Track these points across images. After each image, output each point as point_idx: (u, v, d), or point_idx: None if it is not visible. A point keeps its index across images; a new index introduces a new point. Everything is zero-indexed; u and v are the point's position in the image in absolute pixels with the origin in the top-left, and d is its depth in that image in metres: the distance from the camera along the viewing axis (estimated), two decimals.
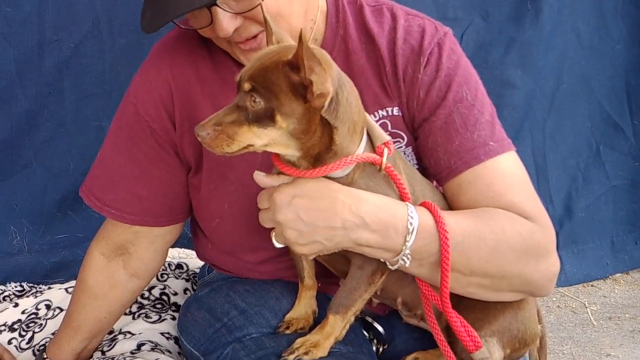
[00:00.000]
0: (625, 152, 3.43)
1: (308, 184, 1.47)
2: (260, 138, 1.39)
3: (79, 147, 2.58)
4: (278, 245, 1.54)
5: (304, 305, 1.71)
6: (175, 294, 2.27)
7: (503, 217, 1.57)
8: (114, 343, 2.03)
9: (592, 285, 3.43)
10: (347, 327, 1.59)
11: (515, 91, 3.04)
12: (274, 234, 1.53)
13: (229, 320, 1.73)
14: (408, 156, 1.74)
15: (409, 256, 1.50)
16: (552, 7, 3.01)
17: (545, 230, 1.60)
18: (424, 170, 1.73)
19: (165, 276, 2.34)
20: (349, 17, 1.74)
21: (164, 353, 1.96)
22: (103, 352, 2.00)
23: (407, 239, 1.48)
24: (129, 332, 2.07)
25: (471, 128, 1.64)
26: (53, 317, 2.20)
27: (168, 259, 2.19)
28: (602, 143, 3.39)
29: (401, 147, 1.73)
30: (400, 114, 1.72)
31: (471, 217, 1.56)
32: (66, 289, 2.27)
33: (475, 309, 1.62)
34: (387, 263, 1.53)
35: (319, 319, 1.71)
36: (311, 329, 1.66)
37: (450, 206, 1.65)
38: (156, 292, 2.26)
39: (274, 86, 1.36)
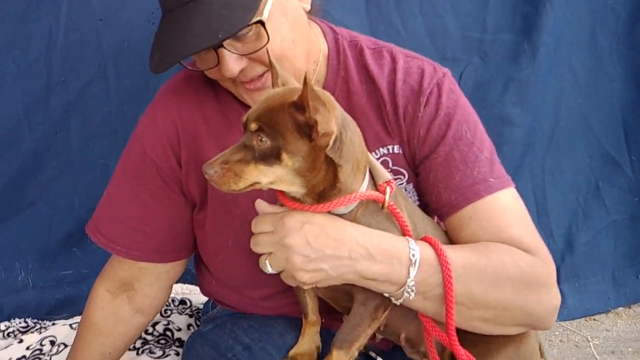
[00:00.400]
0: (625, 188, 3.45)
1: (317, 215, 1.51)
2: (266, 176, 1.43)
3: (84, 186, 2.62)
4: (269, 271, 1.55)
5: (308, 340, 1.72)
6: (179, 329, 2.28)
7: (503, 251, 1.61)
8: None
9: (594, 319, 3.43)
10: None
11: (514, 128, 3.08)
12: (267, 259, 1.54)
13: (233, 356, 1.74)
14: (409, 192, 1.78)
15: (413, 288, 1.53)
16: (549, 47, 3.07)
17: (546, 264, 1.64)
18: (426, 206, 1.77)
19: (169, 312, 2.36)
20: (350, 59, 1.80)
21: None
22: None
23: (411, 270, 1.52)
24: None
25: (471, 165, 1.69)
26: (57, 352, 2.21)
27: (172, 295, 2.21)
28: (601, 179, 3.42)
29: (402, 183, 1.77)
30: (401, 152, 1.77)
31: (471, 251, 1.60)
32: (70, 325, 2.30)
33: (478, 344, 1.65)
34: (392, 298, 1.56)
35: (322, 355, 1.73)
36: None
37: (451, 241, 1.69)
38: (160, 328, 2.28)
39: (279, 126, 1.41)
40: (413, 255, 1.52)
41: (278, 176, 1.44)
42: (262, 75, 1.66)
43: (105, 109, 2.60)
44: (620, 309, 3.50)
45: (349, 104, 1.73)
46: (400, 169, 1.77)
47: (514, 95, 3.05)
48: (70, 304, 2.61)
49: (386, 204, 1.53)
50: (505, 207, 1.68)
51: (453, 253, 1.56)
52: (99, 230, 1.87)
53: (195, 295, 2.47)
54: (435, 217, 1.79)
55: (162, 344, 2.23)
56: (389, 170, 1.72)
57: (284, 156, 1.42)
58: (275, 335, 1.77)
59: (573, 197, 3.38)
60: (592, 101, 3.33)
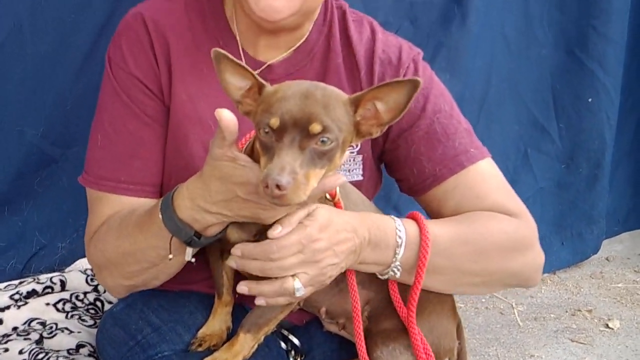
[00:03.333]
0: (552, 155, 3.49)
1: (333, 216, 1.48)
2: (318, 179, 1.34)
3: None
4: (301, 293, 1.48)
5: (219, 321, 1.68)
6: (110, 302, 2.22)
7: (487, 219, 1.67)
8: (53, 334, 2.00)
9: None
10: (256, 346, 1.58)
11: None
12: (296, 279, 1.46)
13: (142, 338, 1.68)
14: (357, 163, 1.79)
15: (399, 267, 1.58)
16: (479, 11, 3.03)
17: (529, 225, 1.72)
18: (401, 181, 1.81)
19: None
20: (335, 19, 1.81)
21: None
22: (41, 338, 1.98)
23: (397, 251, 1.57)
24: (67, 329, 2.05)
25: (452, 137, 1.73)
26: None
27: None
28: (530, 146, 3.45)
29: (353, 152, 1.77)
30: None
31: (454, 223, 1.67)
32: None
33: (392, 322, 1.64)
34: (377, 274, 1.59)
35: (232, 333, 1.68)
36: (224, 343, 1.62)
37: (436, 213, 1.75)
38: (90, 297, 2.24)
39: (343, 125, 1.35)
40: (400, 237, 1.55)
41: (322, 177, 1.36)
42: None
43: (19, 72, 2.43)
44: (546, 275, 3.57)
45: (326, 61, 1.76)
46: None
47: (444, 61, 3.01)
48: None
49: (336, 199, 1.54)
50: (486, 175, 1.74)
51: (437, 227, 1.61)
52: (102, 176, 1.71)
53: None
54: (415, 193, 1.80)
55: (91, 313, 2.19)
56: None
57: (337, 156, 1.36)
58: (185, 315, 1.71)
59: (502, 165, 3.29)
60: (522, 67, 3.33)
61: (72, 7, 2.41)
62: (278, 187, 1.25)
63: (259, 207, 1.41)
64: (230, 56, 1.39)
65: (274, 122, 1.31)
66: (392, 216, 1.58)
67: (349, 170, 1.80)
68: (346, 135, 1.36)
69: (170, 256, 1.54)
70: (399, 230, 1.56)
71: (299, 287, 1.46)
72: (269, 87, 1.40)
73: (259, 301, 1.49)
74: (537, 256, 1.74)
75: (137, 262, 1.62)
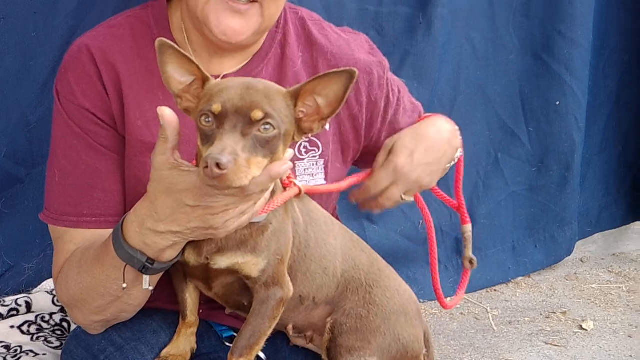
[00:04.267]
0: (522, 159, 3.52)
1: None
2: (259, 169, 1.32)
3: None
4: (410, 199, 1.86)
5: (183, 341, 1.67)
6: (76, 324, 2.20)
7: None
8: (17, 357, 1.98)
9: (495, 290, 3.51)
10: None
11: None
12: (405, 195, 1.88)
13: (105, 358, 1.67)
14: (319, 167, 1.79)
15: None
16: (445, 19, 3.05)
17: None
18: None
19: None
20: (290, 26, 1.81)
21: None
22: None
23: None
24: (32, 352, 2.02)
25: (409, 113, 2.00)
26: None
27: None
28: (500, 150, 3.47)
29: (315, 156, 1.79)
30: (332, 129, 1.79)
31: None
32: None
33: (357, 331, 1.64)
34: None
35: (197, 352, 1.69)
36: None
37: None
38: (57, 318, 2.21)
39: (283, 116, 1.35)
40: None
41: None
42: (250, 3, 1.62)
43: None
44: (520, 278, 3.59)
45: (281, 69, 1.78)
46: (316, 141, 1.79)
47: (411, 69, 3.03)
48: None
49: (303, 191, 1.58)
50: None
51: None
52: (64, 212, 1.69)
53: None
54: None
55: (57, 334, 2.16)
56: (307, 139, 1.77)
57: (280, 149, 1.35)
58: (148, 333, 1.70)
59: (473, 169, 3.41)
60: (490, 73, 3.36)
61: (36, 24, 2.40)
62: (218, 166, 1.23)
63: (208, 212, 1.38)
64: (177, 47, 1.38)
65: (216, 107, 1.31)
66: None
67: (312, 175, 1.81)
68: (288, 127, 1.37)
69: (124, 285, 1.52)
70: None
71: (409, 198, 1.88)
72: (212, 81, 1.40)
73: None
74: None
75: (101, 296, 1.59)
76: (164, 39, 1.38)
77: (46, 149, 1.78)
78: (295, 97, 1.39)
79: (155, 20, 1.74)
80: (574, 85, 3.43)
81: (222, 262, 1.48)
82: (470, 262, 2.11)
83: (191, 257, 1.51)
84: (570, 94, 3.44)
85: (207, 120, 1.33)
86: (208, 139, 1.32)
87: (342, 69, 1.36)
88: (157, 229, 1.42)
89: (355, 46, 1.87)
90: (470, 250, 2.10)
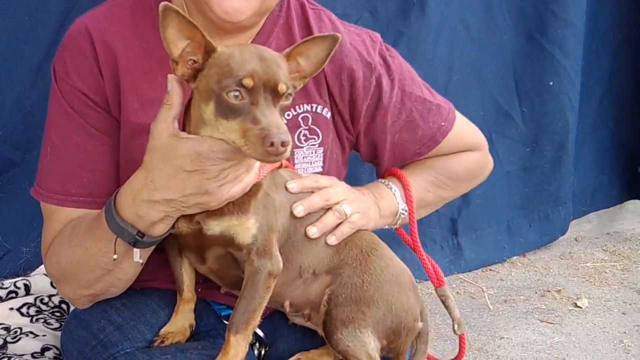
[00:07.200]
0: (516, 139, 3.53)
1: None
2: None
3: None
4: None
5: (181, 318, 1.69)
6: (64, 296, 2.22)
7: (452, 162, 2.00)
8: (17, 338, 1.99)
9: (490, 270, 3.54)
10: (247, 347, 1.54)
11: None
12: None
13: (104, 337, 1.69)
14: (317, 155, 1.82)
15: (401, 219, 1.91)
16: (438, 0, 3.05)
17: (483, 149, 2.13)
18: (376, 164, 1.99)
19: None
20: (292, 11, 1.82)
21: None
22: (5, 343, 1.97)
23: (397, 215, 1.90)
24: (32, 333, 2.04)
25: (426, 118, 1.94)
26: None
27: None
28: (495, 131, 3.48)
29: (314, 145, 1.80)
30: (330, 117, 1.82)
31: (428, 172, 1.97)
32: None
33: (352, 301, 1.65)
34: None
35: (196, 330, 1.71)
36: (188, 341, 1.65)
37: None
38: (55, 300, 2.23)
39: (293, 82, 1.45)
40: (401, 207, 1.89)
41: None
42: None
43: None
44: (515, 258, 3.62)
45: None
46: (316, 129, 1.81)
47: (405, 50, 3.00)
48: None
49: (283, 164, 1.64)
50: (456, 134, 1.99)
51: (416, 183, 1.93)
52: (52, 189, 1.71)
53: None
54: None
55: (57, 316, 2.18)
56: (307, 127, 1.80)
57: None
58: (148, 313, 1.72)
59: None
60: (484, 54, 3.36)
61: (29, 7, 2.40)
62: (283, 143, 1.31)
63: (205, 176, 1.42)
64: (181, 11, 1.39)
65: (248, 82, 1.36)
66: (385, 184, 1.89)
67: (310, 163, 1.83)
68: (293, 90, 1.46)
69: (115, 256, 1.54)
70: (399, 203, 1.88)
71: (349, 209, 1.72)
72: (222, 49, 1.42)
73: (329, 239, 1.67)
74: (490, 164, 2.17)
75: (91, 270, 1.62)
76: (169, 4, 1.40)
77: (42, 133, 1.79)
78: (287, 58, 1.48)
79: (156, 3, 1.74)
80: (567, 65, 3.44)
81: (216, 226, 1.51)
82: (459, 325, 1.87)
83: (183, 225, 1.53)
84: (564, 74, 3.45)
85: (234, 95, 1.36)
86: (236, 112, 1.36)
87: (326, 33, 1.47)
88: (152, 197, 1.45)
89: (350, 40, 1.84)
90: (456, 311, 1.87)
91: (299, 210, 1.62)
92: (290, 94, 1.41)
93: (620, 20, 3.71)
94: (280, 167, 1.63)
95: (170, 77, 1.42)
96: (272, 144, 1.30)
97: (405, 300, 1.71)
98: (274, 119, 1.34)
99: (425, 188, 1.97)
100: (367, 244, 1.71)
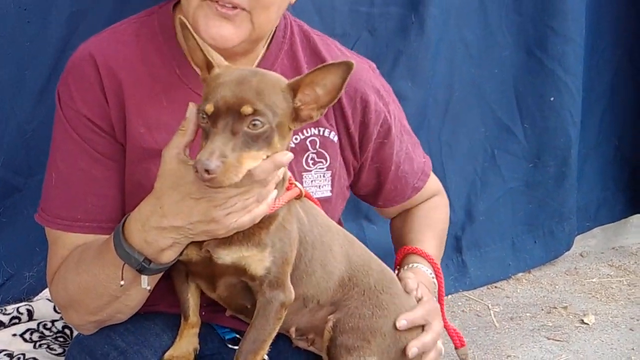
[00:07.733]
0: (519, 155, 3.52)
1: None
2: (256, 162, 1.38)
3: None
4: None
5: (186, 342, 1.68)
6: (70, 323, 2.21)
7: (435, 212, 2.11)
8: None
9: (495, 287, 3.51)
10: None
11: (407, 102, 3.04)
12: None
13: None
14: (326, 179, 1.83)
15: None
16: (437, 18, 3.06)
17: (444, 195, 2.21)
18: (368, 197, 2.04)
19: None
20: (296, 37, 1.83)
21: None
22: None
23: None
24: (35, 359, 2.04)
25: (416, 150, 2.04)
26: None
27: None
28: (497, 147, 3.48)
29: (322, 168, 1.82)
30: (337, 141, 1.83)
31: (434, 233, 2.06)
32: None
33: (358, 330, 1.65)
34: None
35: (200, 353, 1.70)
36: None
37: (387, 212, 2.13)
38: (59, 325, 2.22)
39: (277, 109, 1.40)
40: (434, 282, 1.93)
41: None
42: (236, 8, 1.62)
43: None
44: (520, 274, 3.60)
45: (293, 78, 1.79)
46: (324, 153, 1.82)
47: (405, 69, 3.04)
48: None
49: (304, 193, 1.63)
50: (431, 183, 2.10)
51: (430, 248, 1.99)
52: (57, 215, 1.70)
53: None
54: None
55: (60, 341, 2.18)
56: (314, 151, 1.81)
57: (276, 140, 1.40)
58: (151, 337, 1.71)
59: (470, 167, 3.43)
60: (484, 70, 3.37)
61: (29, 33, 2.41)
62: (207, 171, 1.29)
63: (211, 204, 1.42)
64: (190, 29, 1.46)
65: (209, 108, 1.37)
66: (428, 273, 1.93)
67: (318, 187, 1.85)
68: (282, 119, 1.40)
69: (122, 283, 1.53)
70: (435, 284, 1.93)
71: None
72: (216, 70, 1.45)
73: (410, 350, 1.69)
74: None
75: (99, 296, 1.61)
76: (184, 19, 1.48)
77: (43, 158, 1.80)
78: (296, 88, 1.43)
79: (161, 26, 1.75)
80: (568, 80, 3.44)
81: (226, 255, 1.50)
82: None
83: (192, 252, 1.53)
84: (565, 90, 3.45)
85: (203, 118, 1.39)
86: (206, 136, 1.38)
87: (339, 60, 1.42)
88: (161, 224, 1.45)
89: (358, 66, 1.87)
90: None
91: (402, 324, 1.68)
92: (258, 120, 1.36)
93: (620, 35, 3.71)
94: (299, 197, 1.61)
95: (191, 105, 1.44)
96: (196, 171, 1.31)
97: (413, 337, 1.71)
98: (214, 145, 1.33)
99: (438, 250, 2.06)
100: (377, 281, 1.71)
